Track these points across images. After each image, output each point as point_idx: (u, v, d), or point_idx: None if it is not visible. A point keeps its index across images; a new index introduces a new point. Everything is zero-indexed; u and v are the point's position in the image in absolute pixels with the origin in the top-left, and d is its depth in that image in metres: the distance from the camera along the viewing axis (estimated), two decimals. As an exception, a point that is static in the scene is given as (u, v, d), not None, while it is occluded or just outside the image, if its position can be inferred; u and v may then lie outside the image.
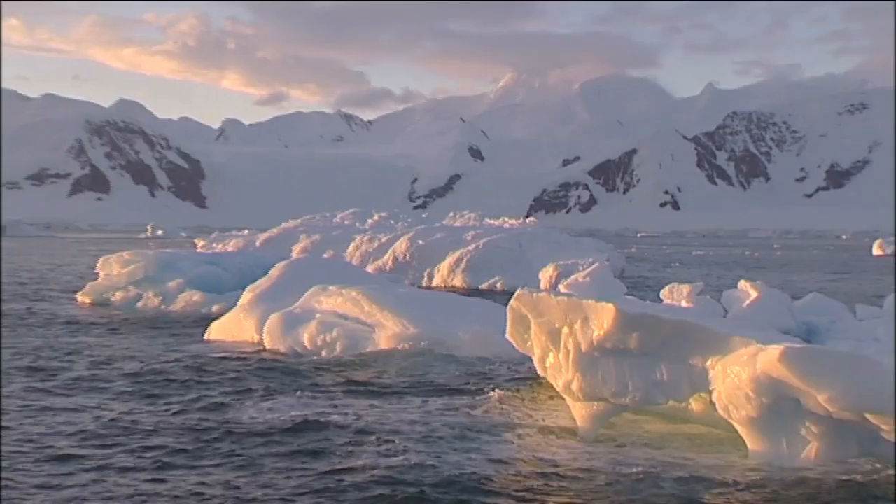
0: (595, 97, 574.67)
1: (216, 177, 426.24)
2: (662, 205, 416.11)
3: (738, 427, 10.17)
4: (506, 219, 59.49)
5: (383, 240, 41.66)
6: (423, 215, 76.39)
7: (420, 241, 39.70)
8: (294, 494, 8.85)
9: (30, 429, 11.35)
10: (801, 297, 15.00)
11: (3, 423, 11.61)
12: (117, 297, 27.32)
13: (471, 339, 17.28)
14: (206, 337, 20.25)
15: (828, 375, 9.15)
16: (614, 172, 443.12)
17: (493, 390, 13.94)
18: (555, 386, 11.65)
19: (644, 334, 10.48)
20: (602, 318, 10.68)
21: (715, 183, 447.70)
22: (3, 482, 9.21)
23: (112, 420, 11.94)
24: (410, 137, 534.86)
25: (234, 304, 21.40)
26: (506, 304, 12.56)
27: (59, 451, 10.36)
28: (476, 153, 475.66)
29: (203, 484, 9.18)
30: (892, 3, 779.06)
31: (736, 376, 9.84)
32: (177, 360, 17.07)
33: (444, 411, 12.45)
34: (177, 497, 8.75)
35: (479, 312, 18.88)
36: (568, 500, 8.71)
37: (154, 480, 9.29)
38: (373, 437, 10.94)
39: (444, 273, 37.80)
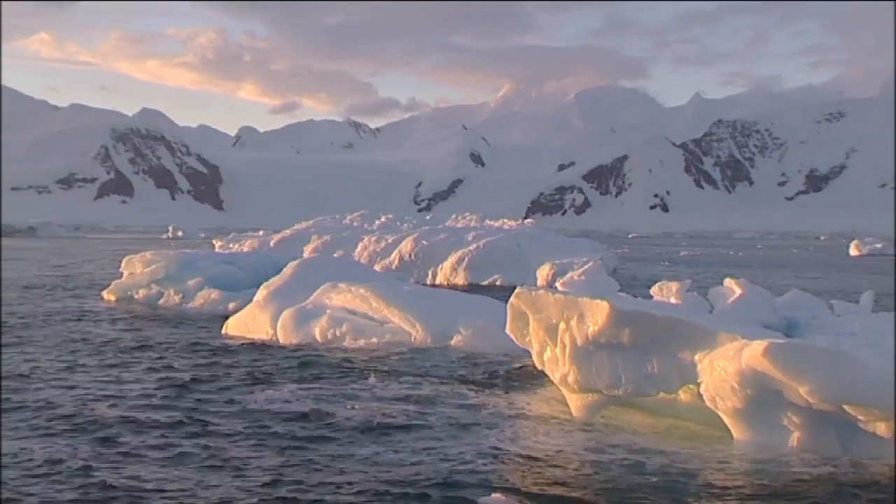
0: (589, 106, 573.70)
1: (233, 181, 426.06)
2: (652, 207, 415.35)
3: (724, 417, 10.15)
4: (505, 220, 59.50)
5: (390, 240, 41.61)
6: (428, 217, 76.34)
7: (424, 242, 39.66)
8: (295, 480, 8.81)
9: (51, 411, 11.36)
10: (783, 293, 14.95)
11: (30, 403, 11.63)
12: (140, 294, 27.33)
13: (472, 333, 17.26)
14: (223, 331, 20.25)
15: (808, 369, 9.14)
16: (607, 177, 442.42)
17: (493, 382, 13.94)
18: (552, 378, 11.63)
19: (636, 330, 10.47)
20: (596, 314, 10.67)
21: (702, 187, 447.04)
22: (22, 456, 9.24)
23: (126, 401, 11.98)
24: (415, 144, 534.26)
25: (250, 301, 21.39)
26: (505, 301, 12.54)
27: (72, 430, 10.39)
28: (477, 159, 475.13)
29: (204, 467, 9.19)
30: (867, 21, 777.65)
31: (722, 369, 9.83)
32: (195, 351, 17.10)
33: (445, 402, 12.43)
34: (179, 481, 8.73)
35: (479, 309, 18.85)
36: (558, 488, 8.68)
37: (162, 461, 9.30)
38: (374, 426, 10.93)
39: (446, 271, 37.77)
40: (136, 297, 27.34)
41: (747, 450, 9.78)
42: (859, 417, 9.14)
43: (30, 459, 9.42)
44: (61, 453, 9.67)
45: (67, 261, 55.51)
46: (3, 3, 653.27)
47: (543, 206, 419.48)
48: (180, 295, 26.45)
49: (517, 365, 15.28)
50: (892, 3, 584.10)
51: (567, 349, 11.02)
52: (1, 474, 8.82)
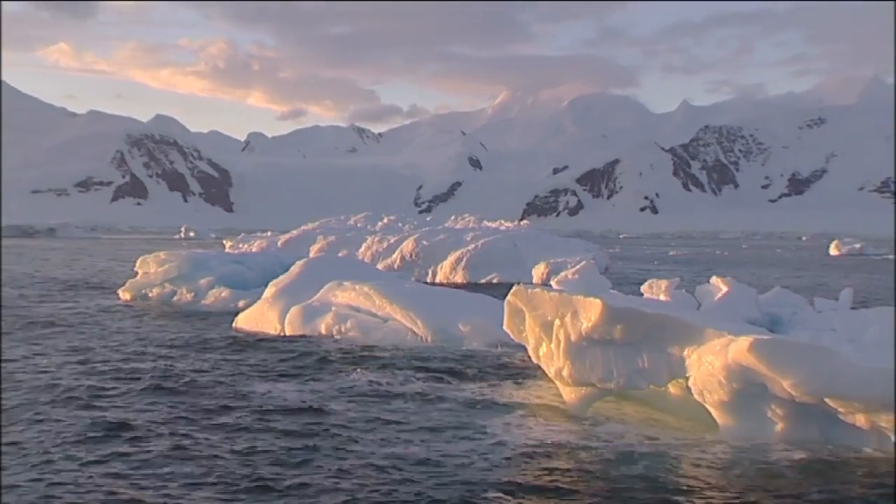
0: (582, 113, 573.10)
1: (242, 184, 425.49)
2: (642, 209, 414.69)
3: (711, 410, 10.14)
4: (502, 221, 59.44)
5: (392, 240, 41.58)
6: (428, 218, 76.13)
7: (425, 242, 39.64)
8: (296, 471, 8.79)
9: (64, 400, 11.36)
10: (767, 291, 14.94)
11: (45, 392, 11.63)
12: (154, 292, 27.27)
13: (471, 330, 17.24)
14: (234, 326, 20.25)
15: (792, 364, 9.14)
16: (599, 180, 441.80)
17: (490, 377, 13.92)
18: (547, 372, 11.63)
19: (628, 326, 10.46)
20: (590, 311, 10.67)
21: (689, 190, 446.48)
22: (26, 444, 9.23)
23: (137, 392, 11.98)
24: (416, 149, 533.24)
25: (259, 300, 21.35)
26: (502, 298, 12.53)
27: (82, 419, 10.40)
28: (475, 163, 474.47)
29: (206, 455, 9.19)
30: (846, 32, 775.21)
31: (710, 364, 9.83)
32: (207, 345, 17.09)
33: (444, 396, 12.43)
34: (182, 469, 8.73)
35: (478, 306, 18.82)
36: (554, 478, 8.67)
37: (165, 451, 9.30)
38: (375, 418, 10.91)
39: (446, 270, 37.73)
40: (150, 295, 27.30)
41: (733, 440, 9.78)
42: (840, 410, 9.14)
43: (32, 448, 9.42)
44: (68, 441, 9.68)
45: (85, 260, 55.45)
46: (25, 16, 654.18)
47: (539, 207, 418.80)
48: (192, 293, 26.42)
49: (514, 360, 15.28)
50: (868, 17, 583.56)
51: (562, 344, 11.01)
52: (1, 470, 8.72)
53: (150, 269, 28.23)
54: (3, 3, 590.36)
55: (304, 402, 11.84)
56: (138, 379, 13.60)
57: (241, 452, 9.36)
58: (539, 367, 12.08)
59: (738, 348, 9.43)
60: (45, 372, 14.12)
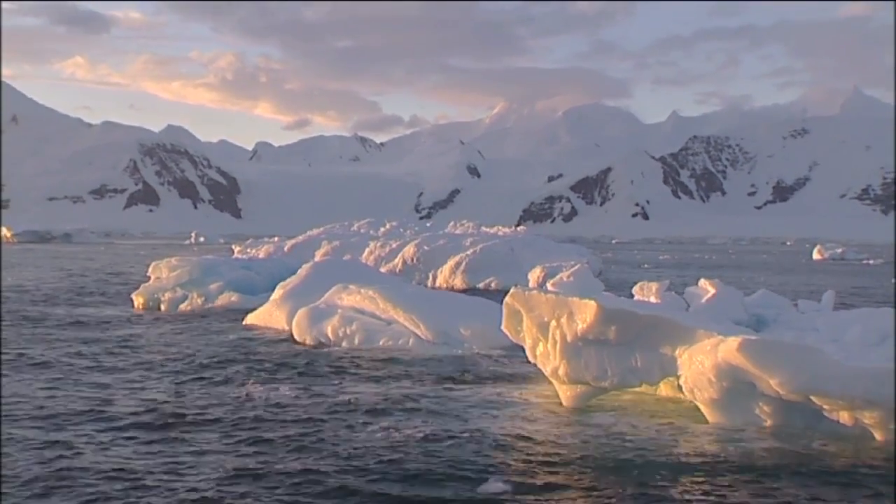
0: (576, 123, 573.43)
1: (250, 191, 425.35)
2: (634, 215, 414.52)
3: (701, 407, 10.18)
4: (499, 227, 59.40)
5: (394, 245, 41.57)
6: (428, 224, 76.15)
7: (425, 247, 39.63)
8: (298, 463, 8.79)
9: (72, 395, 11.38)
10: (752, 293, 14.98)
11: (72, 380, 11.65)
12: (166, 297, 27.16)
13: (471, 331, 17.23)
14: (243, 325, 20.27)
15: (779, 363, 9.18)
16: (592, 187, 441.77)
17: (489, 376, 13.94)
18: (544, 371, 11.65)
19: (621, 327, 10.49)
20: (585, 312, 10.70)
21: (679, 197, 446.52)
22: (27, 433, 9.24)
23: (144, 389, 11.99)
24: (417, 157, 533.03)
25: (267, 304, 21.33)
26: (500, 301, 12.55)
27: (88, 418, 10.41)
28: (473, 171, 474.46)
29: (210, 449, 9.18)
30: (828, 46, 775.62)
31: (700, 363, 9.86)
32: (216, 347, 17.09)
33: (445, 395, 12.44)
34: (184, 462, 8.75)
35: (477, 309, 18.78)
36: (551, 471, 8.68)
37: (173, 442, 9.29)
38: (376, 417, 10.90)
39: (446, 274, 37.71)
40: (162, 299, 27.22)
41: (722, 436, 9.80)
42: (824, 407, 9.17)
43: (37, 443, 9.44)
44: (74, 439, 9.69)
45: (100, 264, 55.43)
46: (43, 31, 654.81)
47: (534, 214, 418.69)
48: (203, 298, 26.35)
49: (512, 360, 15.28)
50: (849, 32, 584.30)
51: (558, 344, 11.04)
52: (1, 469, 8.76)
53: (162, 274, 28.19)
54: (20, 16, 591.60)
55: (306, 401, 11.83)
56: (146, 378, 13.62)
57: (243, 445, 9.38)
58: (536, 367, 12.10)
59: (727, 348, 9.46)
60: (60, 371, 14.13)
